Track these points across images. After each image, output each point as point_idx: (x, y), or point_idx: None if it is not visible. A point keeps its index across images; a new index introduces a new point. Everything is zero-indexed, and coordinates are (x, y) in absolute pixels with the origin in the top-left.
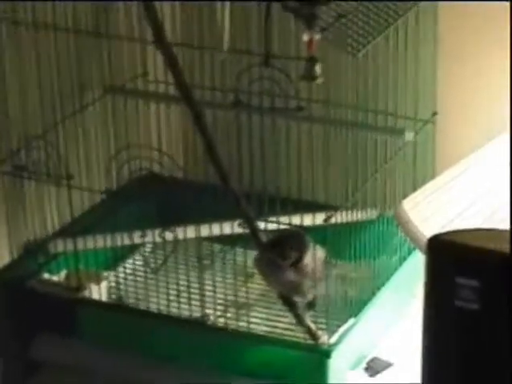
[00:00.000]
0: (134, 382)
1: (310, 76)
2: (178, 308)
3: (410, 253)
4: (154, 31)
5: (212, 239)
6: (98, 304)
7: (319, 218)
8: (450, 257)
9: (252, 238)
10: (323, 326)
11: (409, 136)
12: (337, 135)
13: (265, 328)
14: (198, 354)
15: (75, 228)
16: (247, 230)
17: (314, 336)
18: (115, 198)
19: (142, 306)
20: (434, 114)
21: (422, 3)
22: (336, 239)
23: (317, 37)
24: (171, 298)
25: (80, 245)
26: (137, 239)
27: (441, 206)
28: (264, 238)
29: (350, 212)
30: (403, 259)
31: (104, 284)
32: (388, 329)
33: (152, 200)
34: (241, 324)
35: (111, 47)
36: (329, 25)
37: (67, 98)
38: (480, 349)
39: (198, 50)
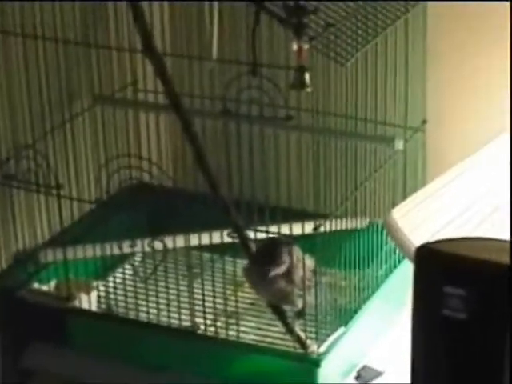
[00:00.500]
0: None
1: (299, 85)
2: (168, 317)
3: (400, 261)
4: (144, 40)
5: (201, 248)
6: (87, 313)
7: (309, 227)
8: (438, 266)
9: (241, 247)
10: (313, 335)
11: (398, 144)
12: (326, 144)
13: (254, 337)
14: (188, 363)
15: (65, 238)
16: (236, 240)
17: (303, 345)
18: (105, 207)
19: (132, 315)
20: (424, 122)
21: (411, 11)
22: (326, 248)
23: (306, 46)
24: (161, 307)
25: (70, 254)
26: (126, 249)
27: (431, 215)
28: (253, 248)
29: (339, 220)
30: (393, 268)
31: (94, 293)
32: (378, 337)
33: (142, 209)
34: (230, 333)
35: (100, 56)
36: (318, 34)
37: (56, 107)
38: (468, 358)
39: (186, 59)
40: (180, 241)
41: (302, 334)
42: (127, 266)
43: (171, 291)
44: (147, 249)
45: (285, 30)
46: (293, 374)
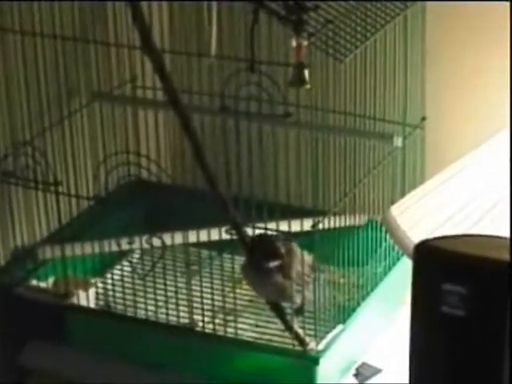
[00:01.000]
0: None
1: (298, 82)
2: (166, 314)
3: (399, 258)
4: (142, 37)
5: (200, 245)
6: (85, 310)
7: (307, 224)
8: (437, 263)
9: (240, 244)
10: (311, 333)
11: (397, 141)
12: (325, 141)
13: (253, 334)
14: (186, 360)
15: (63, 234)
16: (235, 237)
17: (302, 342)
18: (103, 204)
19: (130, 312)
20: (423, 119)
21: (410, 9)
22: (324, 245)
23: (305, 43)
24: (159, 304)
25: (68, 251)
26: (124, 246)
27: (429, 212)
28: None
29: (338, 217)
30: (392, 265)
31: (92, 290)
32: (377, 335)
33: (140, 206)
34: (229, 330)
35: (98, 53)
36: (316, 31)
37: (55, 104)
38: (467, 355)
39: (185, 56)
40: (178, 238)
41: (301, 332)
42: (125, 263)
43: (169, 288)
44: (145, 246)
45: (284, 26)
46: (291, 372)
